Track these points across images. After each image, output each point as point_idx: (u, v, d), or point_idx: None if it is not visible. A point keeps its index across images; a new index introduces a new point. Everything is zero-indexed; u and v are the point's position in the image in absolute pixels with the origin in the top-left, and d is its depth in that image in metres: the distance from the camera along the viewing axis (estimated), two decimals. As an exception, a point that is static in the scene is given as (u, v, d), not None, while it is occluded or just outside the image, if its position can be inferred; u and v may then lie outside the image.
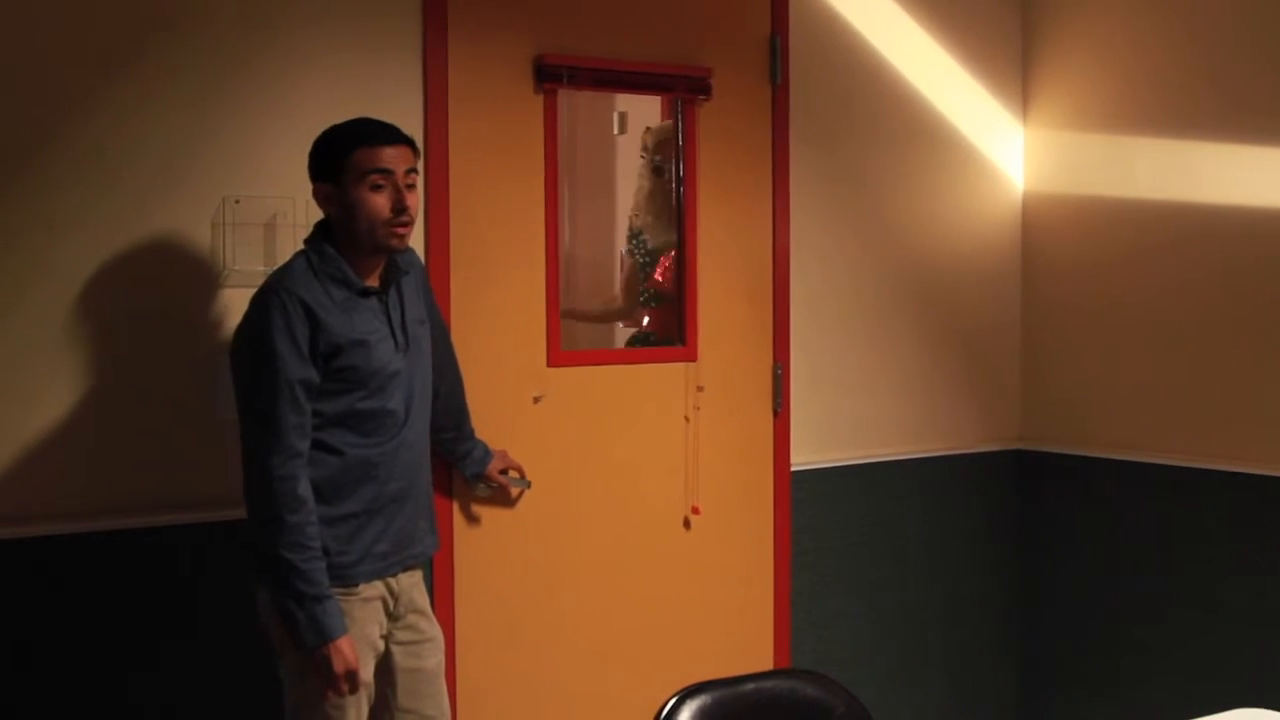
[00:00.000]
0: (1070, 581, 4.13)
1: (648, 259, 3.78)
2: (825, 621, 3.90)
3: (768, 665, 3.75)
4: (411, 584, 2.87)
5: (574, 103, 3.67)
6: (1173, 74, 3.84)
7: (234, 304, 2.95)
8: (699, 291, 3.64)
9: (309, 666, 2.64)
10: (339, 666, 2.62)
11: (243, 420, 2.67)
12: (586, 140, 3.87)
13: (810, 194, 3.85)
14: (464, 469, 3.24)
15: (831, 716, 2.22)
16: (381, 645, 2.81)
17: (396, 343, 2.77)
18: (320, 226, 2.78)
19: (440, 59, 3.25)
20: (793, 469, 3.82)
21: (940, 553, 4.13)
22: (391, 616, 2.82)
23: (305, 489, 2.61)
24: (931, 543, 4.11)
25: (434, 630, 2.93)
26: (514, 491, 3.37)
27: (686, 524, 3.64)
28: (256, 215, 3.04)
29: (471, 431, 3.23)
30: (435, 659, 2.91)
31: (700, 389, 3.64)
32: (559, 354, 3.44)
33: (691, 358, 3.64)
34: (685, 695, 2.15)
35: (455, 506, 3.31)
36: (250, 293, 2.72)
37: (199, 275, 3.00)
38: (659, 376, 3.61)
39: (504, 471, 3.31)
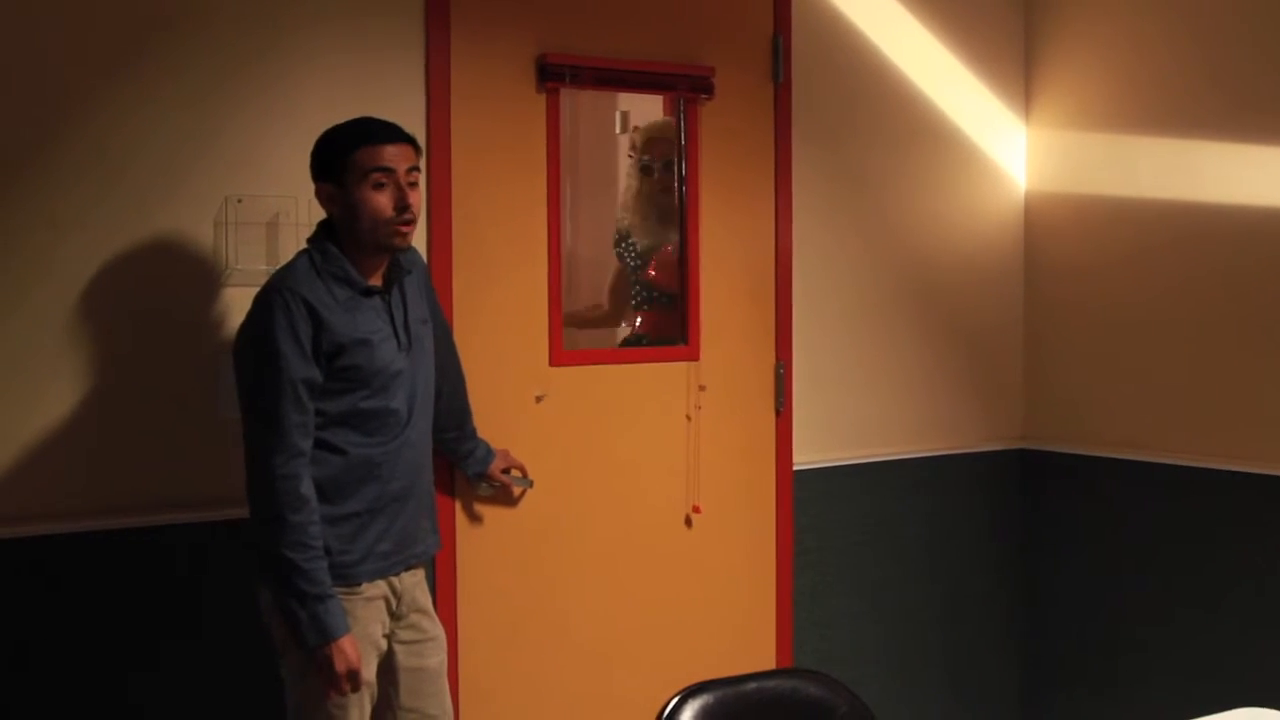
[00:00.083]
0: (1072, 581, 4.13)
1: (638, 261, 3.76)
2: (827, 621, 3.90)
3: (770, 664, 3.75)
4: (414, 583, 2.87)
5: (576, 102, 3.67)
6: (1175, 73, 3.83)
7: (236, 303, 2.95)
8: (701, 291, 3.64)
9: (311, 666, 2.64)
10: (341, 666, 2.62)
11: (245, 419, 2.67)
12: (589, 139, 3.87)
13: (812, 193, 3.85)
14: (466, 468, 3.24)
15: (834, 716, 2.22)
16: (384, 644, 2.81)
17: (399, 342, 2.78)
18: (323, 226, 2.78)
19: (442, 58, 3.25)
20: (795, 468, 3.82)
21: (942, 552, 4.12)
22: (394, 616, 2.82)
23: (308, 488, 2.62)
24: (934, 542, 4.11)
25: (436, 629, 2.93)
26: (516, 491, 3.37)
27: (688, 523, 3.64)
28: (259, 214, 3.04)
29: (474, 431, 3.23)
30: (438, 658, 2.92)
31: (702, 388, 3.64)
32: (561, 353, 3.44)
33: (693, 357, 3.64)
34: (687, 694, 2.15)
35: (457, 506, 3.31)
36: (253, 292, 2.72)
37: (201, 275, 3.00)
38: (661, 376, 3.60)
39: (506, 471, 3.31)
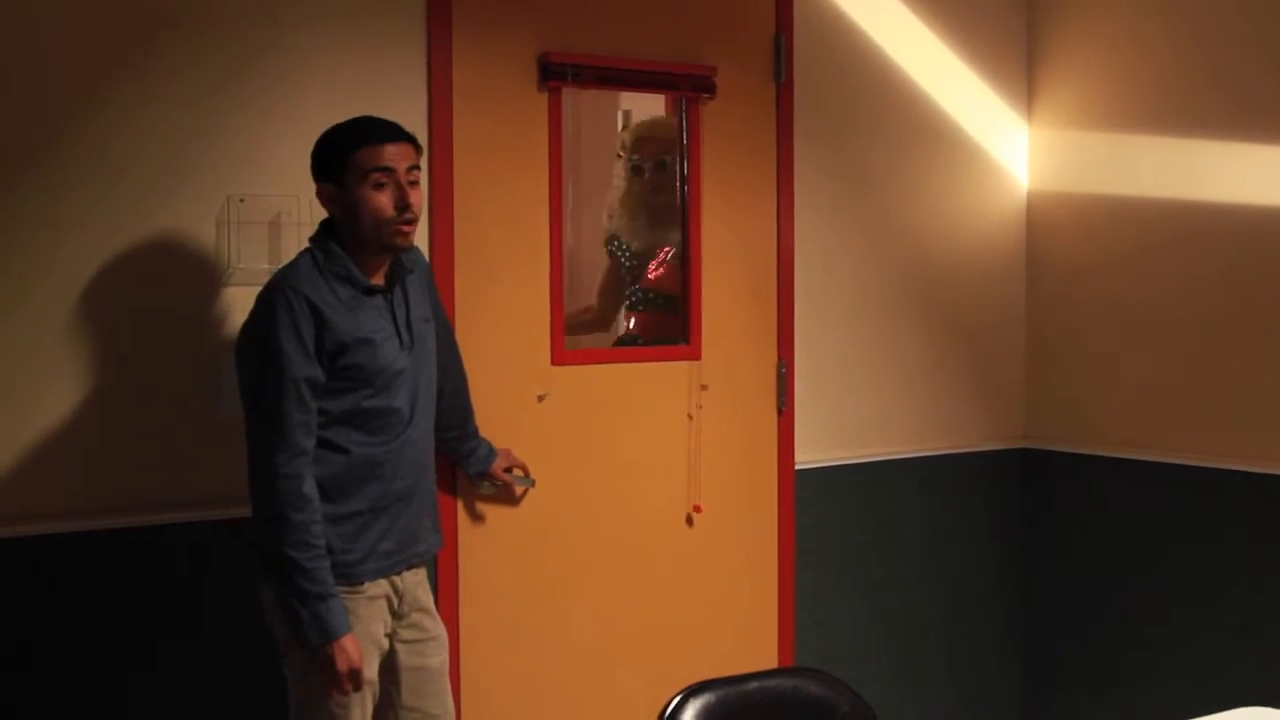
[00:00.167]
0: (1074, 580, 4.13)
1: (633, 262, 3.75)
2: (829, 620, 3.90)
3: (772, 664, 3.75)
4: (416, 582, 2.87)
5: (578, 101, 3.67)
6: (1177, 73, 3.83)
7: (238, 302, 2.96)
8: (703, 290, 3.64)
9: (313, 665, 2.64)
10: (343, 665, 2.62)
11: (248, 418, 2.68)
12: (591, 138, 3.87)
13: (815, 192, 3.85)
14: (468, 467, 3.24)
15: (835, 715, 2.22)
16: (386, 643, 2.81)
17: (402, 341, 2.78)
18: (325, 225, 2.78)
19: (444, 57, 3.25)
20: (797, 467, 3.82)
21: (944, 551, 4.12)
22: (396, 615, 2.82)
23: (310, 487, 2.62)
24: (935, 541, 4.11)
25: (438, 628, 2.93)
26: (518, 490, 3.37)
27: (689, 522, 3.64)
28: (261, 214, 3.04)
29: (476, 430, 3.23)
30: (439, 657, 2.92)
31: (704, 388, 3.64)
32: (563, 352, 3.44)
33: (695, 356, 3.64)
34: (689, 694, 2.15)
35: (459, 505, 3.31)
36: (255, 291, 2.72)
37: (203, 274, 3.00)
38: (662, 375, 3.60)
39: (508, 470, 3.31)
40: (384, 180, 2.69)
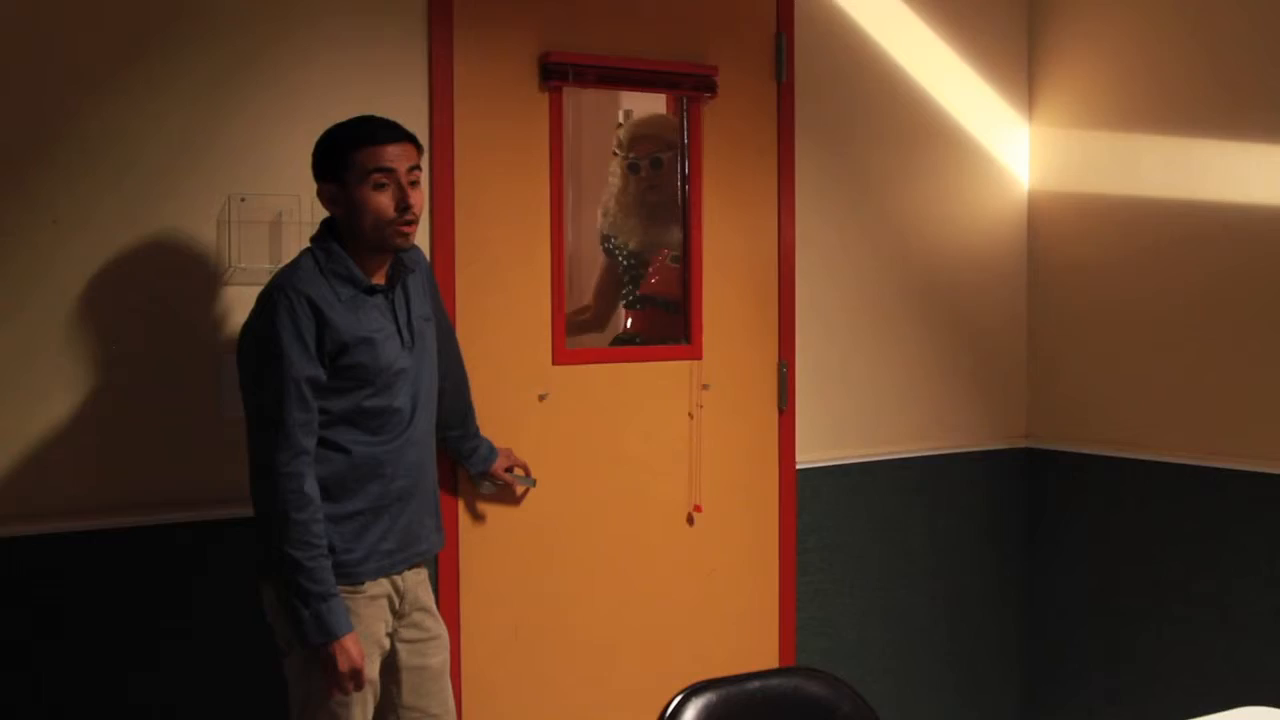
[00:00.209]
0: (1075, 579, 4.13)
1: (631, 260, 3.75)
2: (830, 620, 3.90)
3: (773, 663, 3.75)
4: (417, 582, 2.87)
5: (579, 101, 3.67)
6: (1178, 71, 3.83)
7: (239, 302, 2.96)
8: (704, 290, 3.64)
9: (314, 664, 2.64)
10: (344, 665, 2.62)
11: (249, 418, 2.68)
12: (592, 138, 3.87)
13: (816, 192, 3.85)
14: (469, 467, 3.24)
15: (837, 715, 2.22)
16: (387, 643, 2.81)
17: (403, 340, 2.78)
18: (326, 224, 2.78)
19: (445, 56, 3.25)
20: (798, 467, 3.82)
21: (945, 551, 4.12)
22: (397, 614, 2.82)
23: (311, 487, 2.62)
24: (936, 541, 4.10)
25: (439, 628, 2.93)
26: (519, 489, 3.37)
27: (690, 521, 3.64)
28: (262, 213, 3.04)
29: (477, 429, 3.23)
30: (440, 657, 2.92)
31: (705, 387, 3.64)
32: (564, 352, 3.44)
33: (696, 355, 3.63)
34: (690, 693, 2.15)
35: (460, 504, 3.31)
36: (256, 291, 2.72)
37: (204, 273, 3.00)
38: (663, 375, 3.60)
39: (509, 469, 3.31)
40: (385, 181, 2.69)
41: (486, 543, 3.35)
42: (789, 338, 3.80)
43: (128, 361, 2.93)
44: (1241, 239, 3.69)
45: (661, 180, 3.72)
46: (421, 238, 3.08)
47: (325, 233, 2.76)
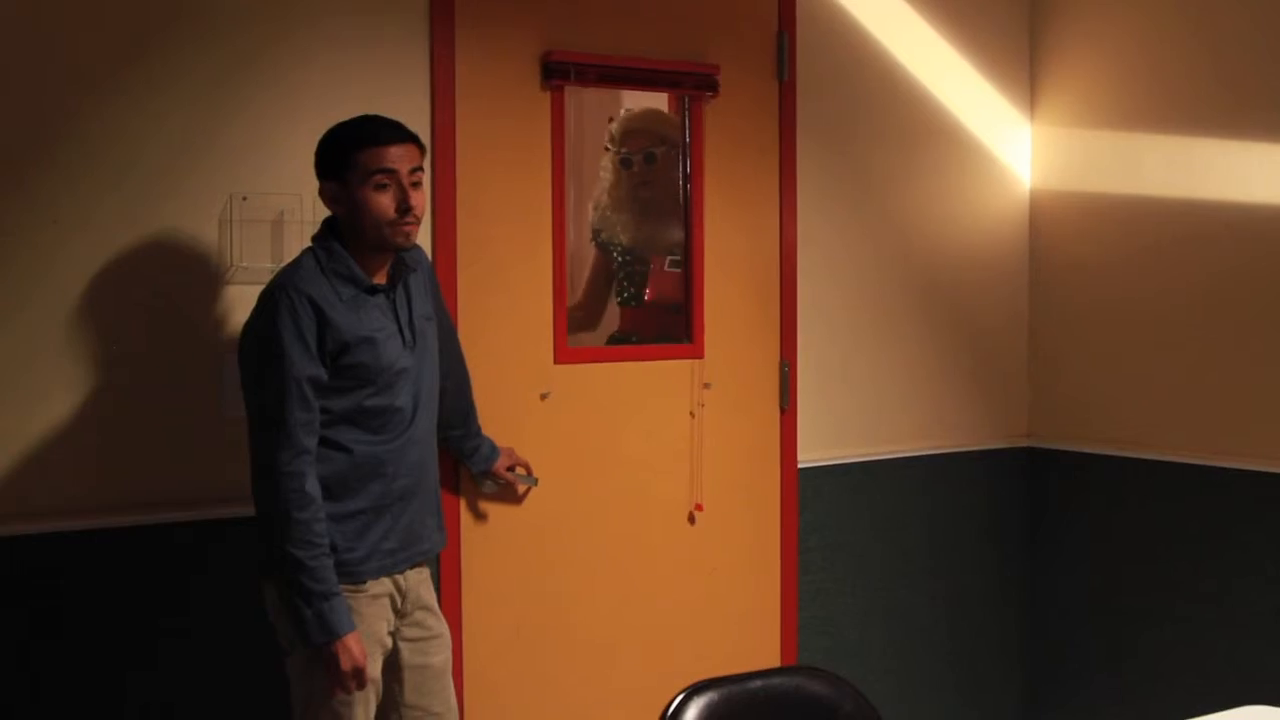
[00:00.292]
0: (1078, 578, 4.13)
1: (625, 256, 3.74)
2: (832, 619, 3.90)
3: (774, 662, 3.75)
4: (419, 580, 2.87)
5: (581, 100, 3.67)
6: (1180, 71, 3.83)
7: (241, 301, 2.96)
8: (705, 289, 3.64)
9: (316, 664, 2.64)
10: (346, 664, 2.62)
11: (250, 417, 2.68)
12: (594, 137, 3.86)
13: (817, 191, 3.85)
14: (471, 466, 3.24)
15: (838, 714, 2.22)
16: (389, 642, 2.81)
17: (404, 340, 2.78)
18: (328, 224, 2.78)
19: (447, 55, 3.25)
20: (799, 466, 3.82)
21: (947, 550, 4.12)
22: (399, 613, 2.82)
23: (313, 486, 2.62)
24: (938, 540, 4.10)
25: (441, 627, 2.93)
26: (520, 488, 3.37)
27: (692, 520, 3.64)
28: (264, 212, 3.04)
29: (478, 428, 3.23)
30: (442, 656, 2.92)
31: (707, 386, 3.64)
32: (565, 351, 3.44)
33: (698, 355, 3.63)
34: (692, 692, 2.15)
35: (462, 503, 3.31)
36: (257, 290, 2.72)
37: (205, 272, 3.00)
38: (665, 374, 3.60)
39: (511, 468, 3.31)
40: (386, 181, 2.69)
41: (488, 542, 3.35)
42: (790, 337, 3.79)
43: (129, 361, 2.93)
44: (1243, 238, 3.68)
45: (655, 176, 3.71)
46: (423, 237, 3.08)
47: (327, 232, 2.76)
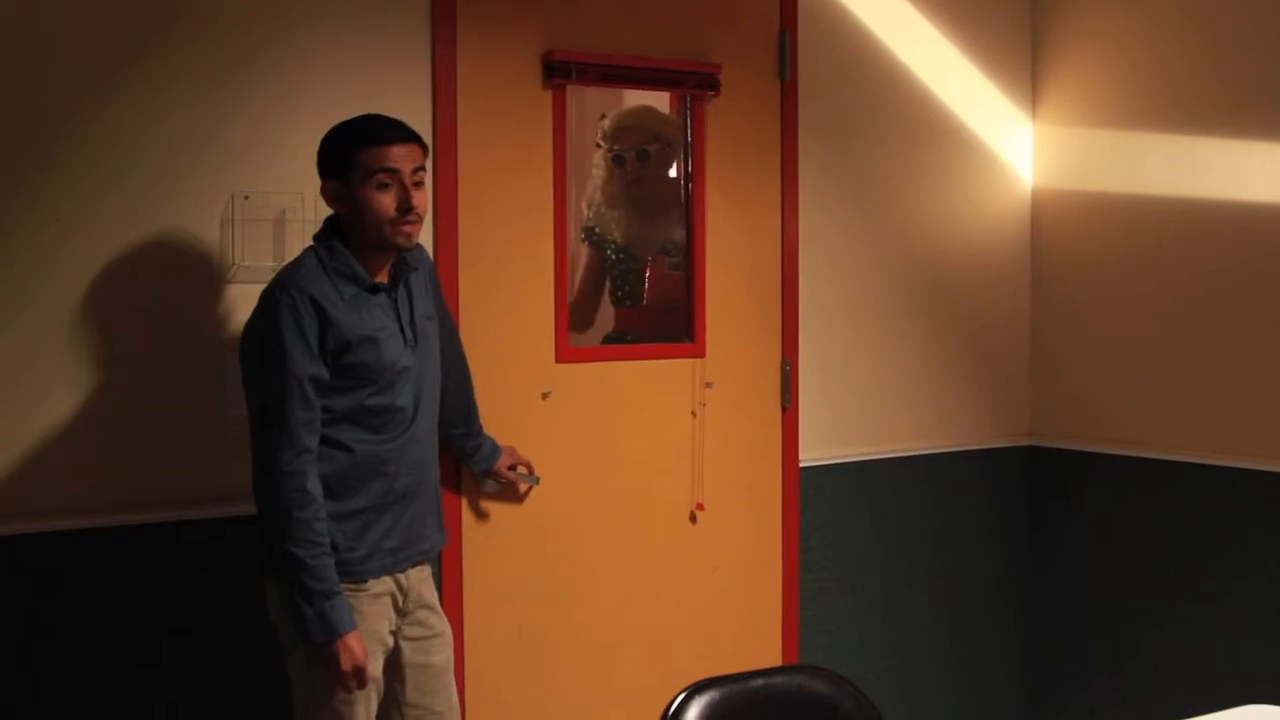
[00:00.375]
0: (1079, 577, 4.13)
1: (619, 254, 3.73)
2: (833, 618, 3.90)
3: (776, 661, 3.75)
4: (420, 579, 2.87)
5: (582, 99, 3.67)
6: (1182, 69, 3.83)
7: (242, 300, 2.96)
8: (707, 288, 3.64)
9: (317, 663, 2.64)
10: (347, 663, 2.62)
11: (252, 416, 2.68)
12: (595, 137, 3.87)
13: (819, 189, 3.84)
14: (472, 465, 3.24)
15: (839, 713, 2.22)
16: (390, 641, 2.81)
17: (405, 339, 2.78)
18: (330, 223, 2.78)
19: (449, 54, 3.25)
20: (801, 465, 3.82)
21: (948, 549, 4.12)
22: (400, 612, 2.82)
23: (314, 485, 2.62)
24: (939, 539, 4.10)
25: (443, 626, 2.93)
26: (522, 487, 3.37)
27: (693, 519, 3.64)
28: (265, 211, 3.04)
29: (480, 427, 3.23)
30: (444, 654, 2.92)
31: (708, 385, 3.64)
32: (567, 350, 3.44)
33: (699, 354, 3.63)
34: (694, 691, 2.15)
35: (464, 502, 3.32)
36: (259, 289, 2.72)
37: (207, 271, 3.00)
38: (666, 373, 3.60)
39: (512, 467, 3.31)
40: (388, 181, 2.69)
41: (490, 541, 3.35)
42: (792, 336, 3.79)
43: (130, 360, 2.93)
44: (1245, 237, 3.68)
45: (648, 173, 3.71)
46: (424, 237, 3.08)
47: (328, 231, 2.76)
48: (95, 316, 2.89)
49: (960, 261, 4.13)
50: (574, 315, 3.61)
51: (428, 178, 2.83)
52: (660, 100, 3.76)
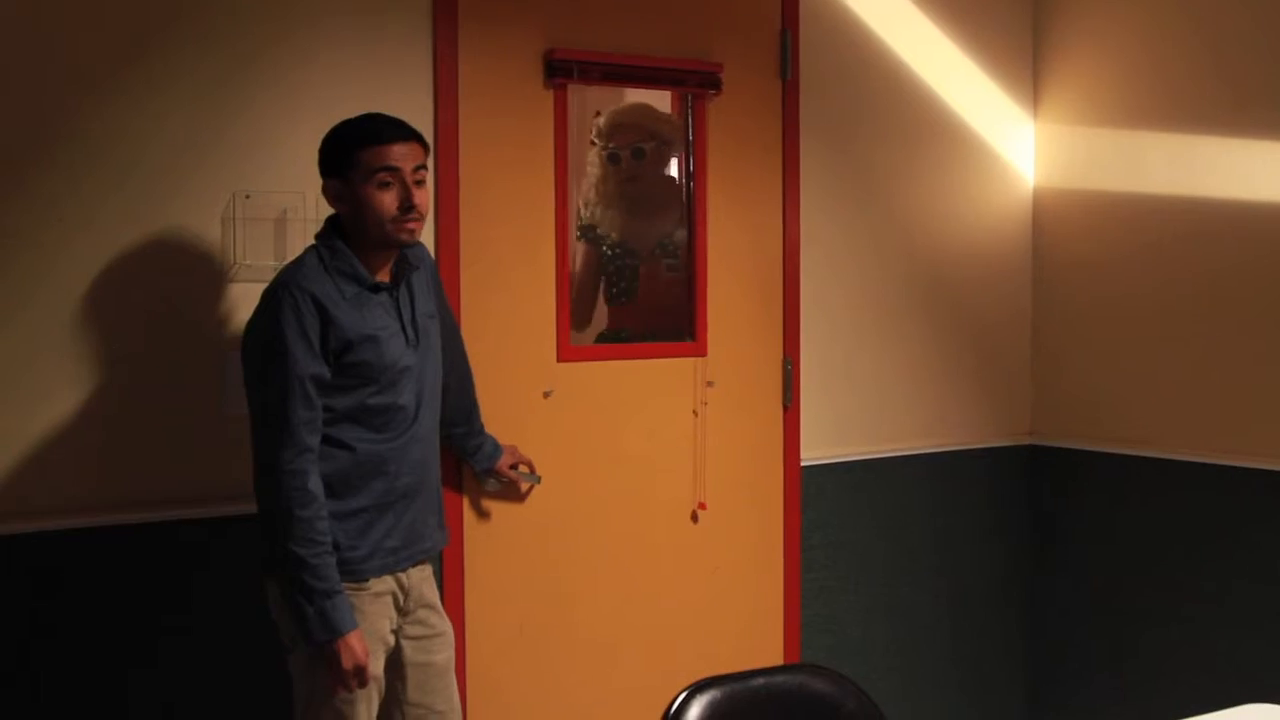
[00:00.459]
0: (1081, 577, 4.13)
1: (616, 250, 3.73)
2: (835, 616, 3.90)
3: (777, 660, 3.75)
4: (421, 578, 2.87)
5: (584, 98, 3.66)
6: (1183, 68, 3.83)
7: (244, 299, 2.96)
8: (708, 287, 3.64)
9: (318, 662, 2.64)
10: (348, 662, 2.62)
11: (253, 415, 2.68)
12: (590, 133, 3.86)
13: (820, 188, 3.84)
14: (474, 464, 3.24)
15: (841, 712, 2.22)
16: (392, 640, 2.81)
17: (407, 338, 2.78)
18: (331, 221, 2.78)
19: (450, 53, 3.25)
20: (802, 464, 3.82)
21: (949, 548, 4.12)
22: (401, 611, 2.82)
23: (315, 484, 2.62)
24: (941, 538, 4.10)
25: (444, 625, 2.93)
26: (523, 486, 3.37)
27: (695, 518, 3.64)
28: (267, 210, 3.04)
29: (481, 426, 3.23)
30: (445, 654, 2.92)
31: (710, 384, 3.64)
32: (569, 349, 3.44)
33: (701, 353, 3.63)
34: (695, 690, 2.15)
35: (465, 501, 3.32)
36: (260, 288, 2.72)
37: (208, 270, 3.00)
38: (668, 372, 3.60)
39: (514, 466, 3.31)
40: (389, 180, 2.69)
41: (491, 540, 3.35)
42: (794, 335, 3.79)
43: (131, 359, 2.93)
44: (1246, 236, 3.68)
45: (643, 171, 3.70)
46: (426, 236, 3.08)
47: (330, 230, 2.76)
48: (96, 316, 2.89)
49: (962, 260, 4.13)
50: (572, 313, 3.61)
51: (429, 176, 2.83)
52: (661, 99, 3.75)
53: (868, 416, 3.97)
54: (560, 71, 3.38)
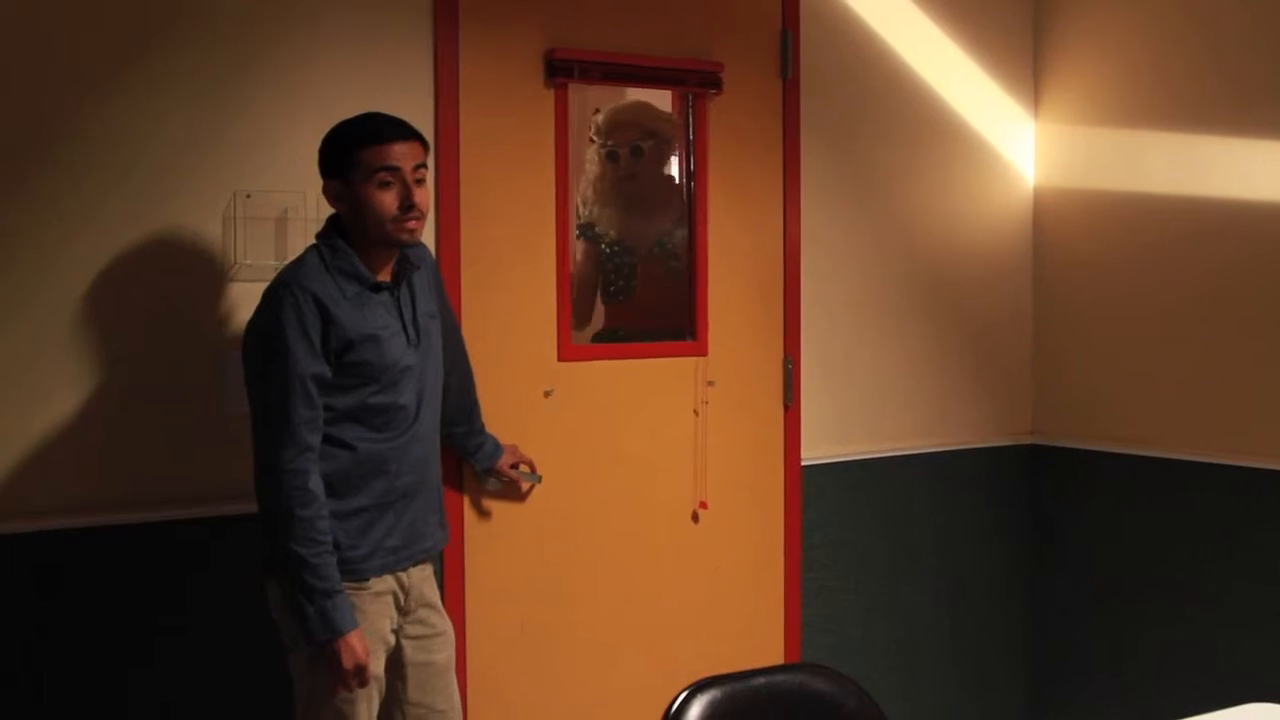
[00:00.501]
0: (1082, 576, 4.13)
1: (615, 248, 3.73)
2: (835, 616, 3.90)
3: (778, 660, 3.75)
4: (422, 578, 2.87)
5: (585, 97, 3.66)
6: (1184, 68, 3.82)
7: (244, 299, 2.96)
8: (709, 286, 3.63)
9: (319, 661, 2.64)
10: (348, 661, 2.62)
11: (254, 415, 2.68)
12: (589, 131, 3.86)
13: (821, 188, 3.84)
14: (475, 463, 3.24)
15: (841, 711, 2.22)
16: (392, 639, 2.81)
17: (408, 337, 2.78)
18: (332, 221, 2.78)
19: (451, 52, 3.25)
20: (803, 463, 3.82)
21: (950, 547, 4.12)
22: (402, 611, 2.82)
23: (316, 483, 2.62)
24: (942, 537, 4.10)
25: (444, 624, 2.93)
26: (524, 486, 3.37)
27: (696, 518, 3.64)
28: (267, 210, 3.04)
29: (482, 426, 3.23)
30: (445, 653, 2.92)
31: (710, 383, 3.64)
32: (569, 348, 3.44)
33: (702, 352, 3.63)
34: (696, 689, 2.15)
35: (466, 501, 3.32)
36: (261, 287, 2.72)
37: (209, 270, 3.00)
38: (669, 371, 3.60)
39: (514, 466, 3.31)
40: (389, 179, 2.69)
41: (492, 539, 3.35)
42: (794, 334, 3.79)
43: (131, 359, 2.93)
44: (1247, 235, 3.68)
45: (641, 169, 3.70)
46: (426, 235, 3.08)
47: (331, 229, 2.76)
48: (97, 315, 2.89)
49: (962, 260, 4.13)
50: (574, 316, 3.62)
51: (429, 176, 2.83)
52: (662, 99, 3.75)
53: (868, 416, 3.97)
54: (561, 71, 3.38)
